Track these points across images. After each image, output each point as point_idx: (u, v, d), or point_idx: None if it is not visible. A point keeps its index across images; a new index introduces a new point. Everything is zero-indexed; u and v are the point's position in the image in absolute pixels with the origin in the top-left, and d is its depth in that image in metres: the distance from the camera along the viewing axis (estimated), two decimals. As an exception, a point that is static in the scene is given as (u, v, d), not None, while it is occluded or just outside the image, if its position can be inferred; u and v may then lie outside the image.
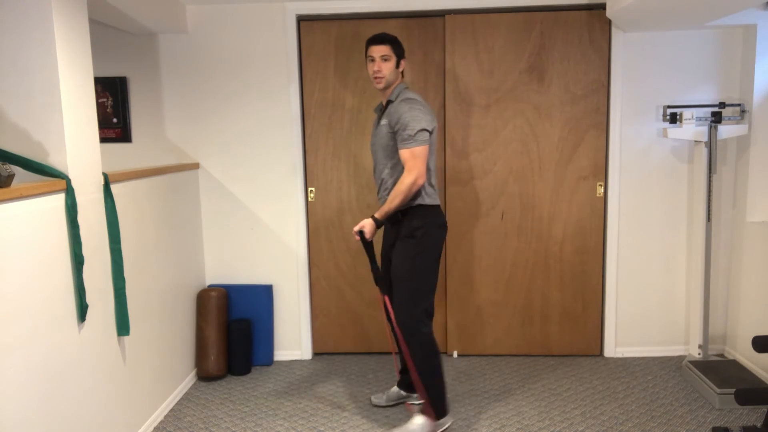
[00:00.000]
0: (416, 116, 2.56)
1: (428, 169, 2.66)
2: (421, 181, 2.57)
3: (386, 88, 2.73)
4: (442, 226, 2.73)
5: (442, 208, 3.59)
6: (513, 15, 3.44)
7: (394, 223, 2.76)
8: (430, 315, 2.73)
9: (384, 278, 2.83)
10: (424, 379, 2.67)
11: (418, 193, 2.64)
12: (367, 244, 2.72)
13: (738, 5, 2.79)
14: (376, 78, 2.70)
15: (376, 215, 2.64)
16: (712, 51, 3.43)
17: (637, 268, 3.62)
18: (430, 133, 2.62)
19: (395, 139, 2.63)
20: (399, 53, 2.72)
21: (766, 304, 3.23)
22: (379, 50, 2.68)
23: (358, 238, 2.69)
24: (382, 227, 2.87)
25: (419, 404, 2.95)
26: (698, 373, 3.18)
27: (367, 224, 2.65)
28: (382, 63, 2.67)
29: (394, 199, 2.58)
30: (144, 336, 2.84)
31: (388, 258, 2.85)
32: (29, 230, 1.99)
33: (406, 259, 2.65)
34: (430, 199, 2.68)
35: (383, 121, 2.69)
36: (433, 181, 2.71)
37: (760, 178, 3.36)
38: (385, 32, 2.73)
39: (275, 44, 3.50)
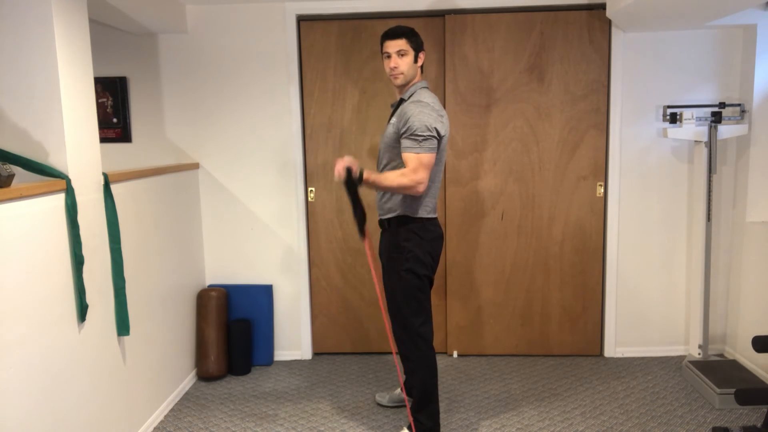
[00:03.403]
0: (425, 120, 2.36)
1: (431, 180, 2.49)
2: (421, 189, 2.38)
3: (404, 84, 2.54)
4: (435, 240, 2.55)
5: (442, 209, 3.59)
6: (513, 15, 3.44)
7: (383, 231, 2.62)
8: (425, 338, 2.56)
9: (362, 223, 2.51)
10: (414, 395, 2.57)
11: (409, 203, 2.49)
12: (350, 185, 2.42)
13: (738, 5, 2.79)
14: (393, 75, 2.52)
15: (366, 173, 2.38)
16: (712, 51, 3.43)
17: (637, 268, 3.62)
18: (440, 139, 2.43)
19: (400, 141, 2.45)
20: (417, 46, 2.52)
21: (766, 304, 3.23)
22: (394, 45, 2.48)
23: (340, 175, 2.39)
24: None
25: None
26: (698, 373, 3.18)
27: (354, 164, 2.37)
28: (398, 59, 2.49)
29: (387, 180, 2.37)
30: (144, 336, 2.84)
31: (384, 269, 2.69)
32: (29, 230, 1.99)
33: (394, 274, 2.54)
34: (422, 211, 2.50)
35: (392, 120, 2.52)
36: (434, 193, 2.54)
37: (760, 178, 3.36)
38: (400, 25, 2.54)
39: (275, 44, 3.50)
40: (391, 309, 2.63)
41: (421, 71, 2.60)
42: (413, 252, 2.50)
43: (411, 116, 2.39)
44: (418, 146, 2.37)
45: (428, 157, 2.38)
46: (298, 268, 3.68)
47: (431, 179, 2.50)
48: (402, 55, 2.50)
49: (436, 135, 2.39)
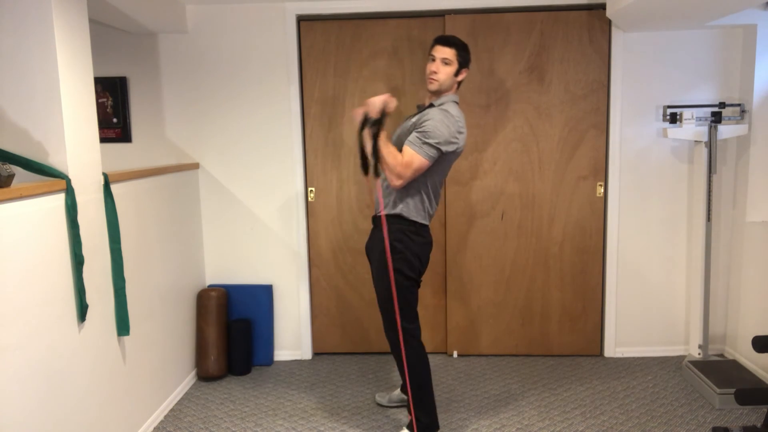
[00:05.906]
0: (440, 130, 2.40)
1: (427, 187, 2.53)
2: (397, 184, 2.42)
3: (437, 92, 2.56)
4: (425, 245, 2.58)
5: (442, 209, 3.59)
6: (513, 15, 3.44)
7: (373, 228, 2.64)
8: (413, 335, 2.59)
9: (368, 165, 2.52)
10: (411, 393, 2.59)
11: (410, 205, 2.52)
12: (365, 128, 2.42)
13: (738, 5, 2.79)
14: (430, 79, 2.55)
15: (382, 135, 2.39)
16: (712, 51, 3.43)
17: (637, 268, 3.62)
18: (443, 153, 2.44)
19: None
20: (463, 61, 2.56)
21: (766, 304, 3.23)
22: (442, 51, 2.53)
23: (359, 118, 2.42)
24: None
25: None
26: (698, 373, 3.18)
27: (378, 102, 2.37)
28: (441, 65, 2.52)
29: (387, 150, 2.38)
30: (144, 336, 2.84)
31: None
32: (29, 230, 1.99)
33: (384, 271, 2.53)
34: (417, 216, 2.53)
35: (414, 118, 2.55)
36: (433, 203, 2.58)
37: (760, 178, 3.36)
38: (455, 36, 2.60)
39: (275, 44, 3.50)
40: (381, 308, 2.64)
41: (458, 87, 2.62)
42: (403, 253, 2.52)
43: (432, 119, 2.43)
44: (419, 146, 2.41)
45: (421, 161, 2.41)
46: (298, 268, 3.68)
47: (430, 189, 2.55)
48: (446, 63, 2.53)
49: (440, 147, 2.41)
